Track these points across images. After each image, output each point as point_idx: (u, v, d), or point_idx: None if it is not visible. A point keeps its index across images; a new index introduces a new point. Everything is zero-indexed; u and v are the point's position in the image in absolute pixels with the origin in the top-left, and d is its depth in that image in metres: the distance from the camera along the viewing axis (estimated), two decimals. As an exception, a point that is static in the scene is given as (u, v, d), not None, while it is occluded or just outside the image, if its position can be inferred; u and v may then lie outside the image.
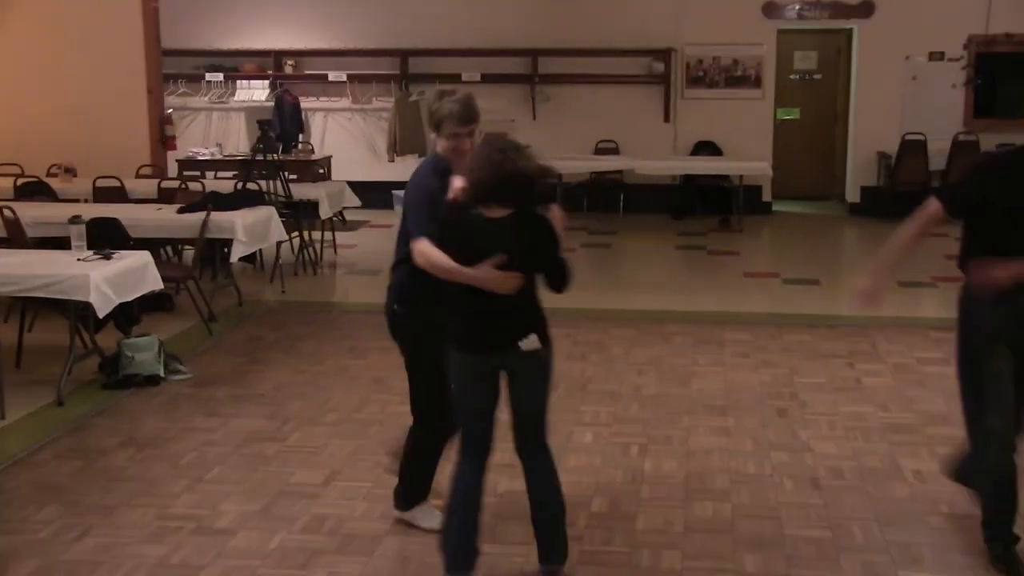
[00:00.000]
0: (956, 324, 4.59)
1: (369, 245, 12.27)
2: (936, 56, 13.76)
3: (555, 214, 4.24)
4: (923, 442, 5.86)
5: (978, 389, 4.41)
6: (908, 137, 13.29)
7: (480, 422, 4.20)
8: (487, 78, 14.25)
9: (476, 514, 4.24)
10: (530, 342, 4.11)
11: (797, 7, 14.01)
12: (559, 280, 4.16)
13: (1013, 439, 4.36)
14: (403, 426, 6.06)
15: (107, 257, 6.94)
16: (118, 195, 9.98)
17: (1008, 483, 4.31)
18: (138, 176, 10.88)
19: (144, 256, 7.25)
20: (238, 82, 14.87)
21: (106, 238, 7.68)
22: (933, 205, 4.40)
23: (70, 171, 10.68)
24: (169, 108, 12.61)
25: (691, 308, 8.93)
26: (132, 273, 7.02)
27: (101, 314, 6.71)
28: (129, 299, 7.04)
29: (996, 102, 14.07)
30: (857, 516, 4.92)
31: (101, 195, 10.01)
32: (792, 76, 15.30)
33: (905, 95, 13.83)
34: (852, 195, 14.29)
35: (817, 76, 15.41)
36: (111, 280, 6.71)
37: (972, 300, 4.48)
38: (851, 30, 14.25)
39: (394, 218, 14.81)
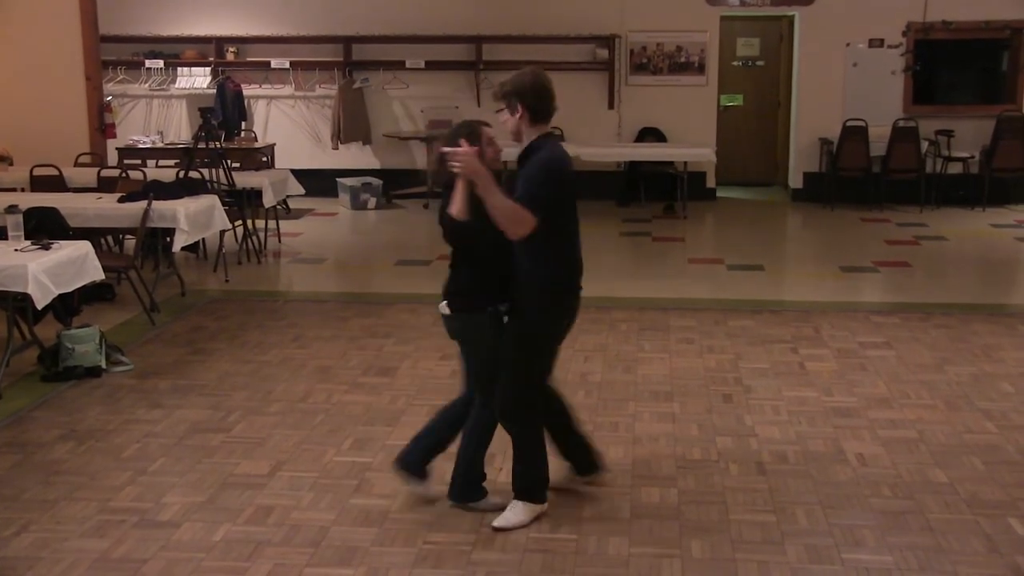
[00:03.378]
0: None
1: (313, 233, 12.18)
2: (876, 43, 13.90)
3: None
4: (866, 425, 5.91)
5: None
6: (849, 123, 13.41)
7: None
8: (431, 65, 14.20)
9: None
10: (441, 307, 4.67)
11: (740, -6, 14.10)
12: None
13: None
14: (349, 415, 6.08)
15: (45, 247, 6.82)
16: (56, 184, 9.82)
17: None
18: (77, 164, 10.70)
19: (84, 246, 7.13)
20: (179, 69, 14.65)
21: (44, 228, 7.56)
22: None
23: (6, 159, 10.49)
24: (108, 95, 12.41)
25: (636, 295, 8.97)
26: (71, 263, 6.90)
27: (40, 305, 6.60)
28: (69, 290, 6.93)
29: (934, 89, 14.26)
30: (801, 500, 4.96)
31: (39, 184, 9.84)
32: (735, 63, 15.38)
33: (846, 82, 13.95)
34: (795, 181, 14.40)
35: (760, 63, 15.51)
36: (50, 271, 6.60)
37: None
38: (793, 17, 14.34)
39: (338, 206, 14.76)
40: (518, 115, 4.52)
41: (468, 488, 4.81)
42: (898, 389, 6.53)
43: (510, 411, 4.65)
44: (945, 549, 4.46)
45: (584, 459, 4.99)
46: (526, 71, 4.62)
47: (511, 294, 4.59)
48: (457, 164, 4.35)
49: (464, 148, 4.39)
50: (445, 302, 4.66)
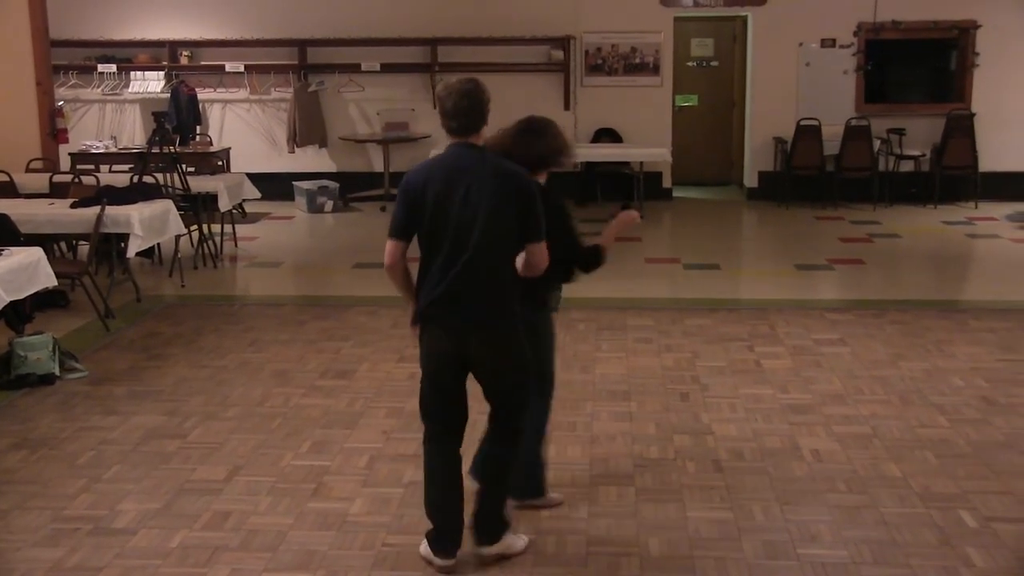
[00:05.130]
0: None
1: (270, 237, 12.11)
2: (828, 43, 14.03)
3: None
4: (820, 421, 5.97)
5: None
6: (803, 122, 13.53)
7: None
8: (387, 67, 14.17)
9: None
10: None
11: (693, -5, 14.19)
12: None
13: None
14: (306, 418, 6.06)
15: (-4, 254, 6.76)
16: (7, 190, 9.71)
17: None
18: (28, 170, 10.59)
19: (36, 252, 7.06)
20: (132, 73, 14.53)
21: (-6, 235, 7.48)
22: None
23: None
24: (60, 100, 12.28)
25: (594, 295, 8.97)
26: (23, 270, 6.83)
27: (-10, 313, 6.53)
28: (20, 297, 6.86)
29: (885, 87, 14.42)
30: (758, 496, 5.00)
31: (-11, 190, 9.74)
32: (690, 63, 15.47)
33: (799, 81, 14.07)
34: (750, 180, 14.51)
35: (714, 63, 15.61)
36: (0, 278, 6.52)
37: None
38: (746, 17, 14.45)
39: (295, 209, 14.66)
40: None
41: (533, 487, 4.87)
42: (852, 385, 6.60)
43: None
44: (899, 542, 4.51)
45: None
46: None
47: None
48: None
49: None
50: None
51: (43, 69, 10.93)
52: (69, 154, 12.49)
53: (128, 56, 14.48)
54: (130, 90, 14.56)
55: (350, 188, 14.06)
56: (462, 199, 4.14)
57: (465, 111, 4.23)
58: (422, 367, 4.29)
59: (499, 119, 4.66)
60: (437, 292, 4.16)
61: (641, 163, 13.45)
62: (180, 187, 10.07)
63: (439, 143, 13.33)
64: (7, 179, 9.80)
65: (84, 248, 9.49)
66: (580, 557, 4.42)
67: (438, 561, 4.33)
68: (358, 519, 4.78)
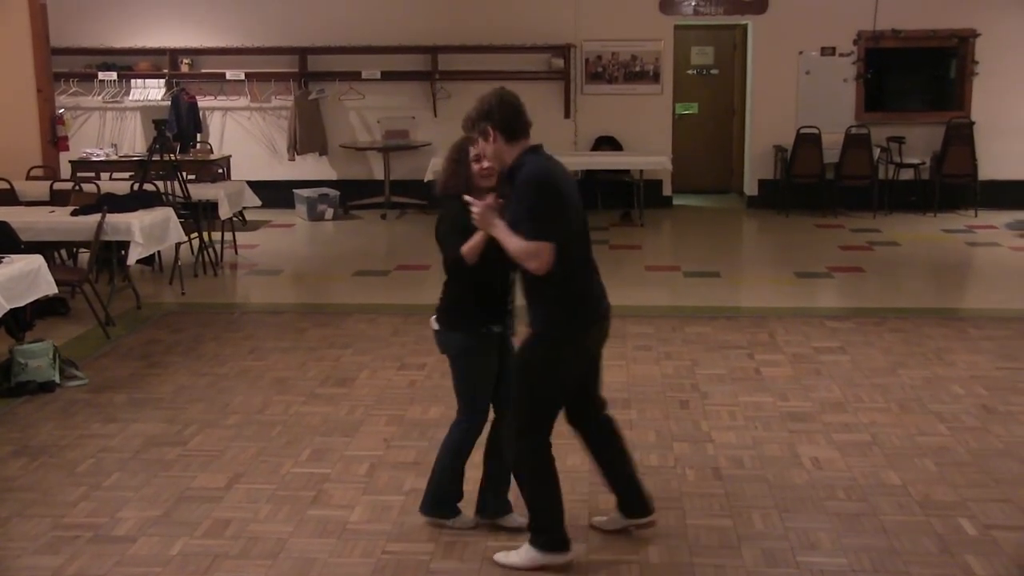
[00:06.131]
0: None
1: (270, 245, 12.12)
2: (828, 51, 14.05)
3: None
4: (820, 429, 5.97)
5: None
6: (803, 130, 13.55)
7: None
8: (387, 75, 14.19)
9: None
10: (431, 322, 4.62)
11: (693, 3, 14.17)
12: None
13: None
14: (306, 426, 6.06)
15: (-4, 261, 6.76)
16: (8, 197, 9.72)
17: None
18: (29, 178, 10.60)
19: (36, 260, 7.06)
20: (133, 81, 14.55)
21: (-5, 242, 7.49)
22: None
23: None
24: (61, 108, 12.30)
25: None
26: (23, 278, 6.83)
27: (-9, 320, 6.54)
28: (20, 304, 6.86)
29: (885, 96, 14.44)
30: (757, 504, 5.00)
31: (-11, 198, 9.75)
32: (690, 71, 15.49)
33: (799, 89, 14.09)
34: (750, 188, 14.52)
35: (714, 71, 15.63)
36: (1, 285, 6.53)
37: None
38: (746, 26, 14.48)
39: (295, 217, 14.63)
40: (491, 139, 4.25)
41: (438, 504, 4.73)
42: (852, 393, 6.60)
43: (513, 442, 4.38)
44: (898, 550, 4.51)
45: (630, 498, 4.69)
46: (486, 94, 4.36)
47: (510, 315, 4.57)
48: (475, 216, 4.23)
49: (481, 202, 4.22)
50: (434, 316, 4.60)
51: (44, 76, 10.95)
52: (70, 162, 12.52)
53: (129, 64, 14.50)
54: (131, 98, 14.57)
55: (350, 196, 14.07)
56: (578, 199, 4.37)
57: (523, 111, 4.38)
58: (562, 376, 4.31)
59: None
60: (594, 293, 4.38)
61: (641, 171, 13.47)
62: (180, 195, 10.07)
63: (439, 151, 13.36)
64: (8, 186, 9.81)
65: (84, 256, 9.50)
66: (581, 565, 4.41)
67: (570, 556, 4.40)
68: (358, 527, 4.78)
